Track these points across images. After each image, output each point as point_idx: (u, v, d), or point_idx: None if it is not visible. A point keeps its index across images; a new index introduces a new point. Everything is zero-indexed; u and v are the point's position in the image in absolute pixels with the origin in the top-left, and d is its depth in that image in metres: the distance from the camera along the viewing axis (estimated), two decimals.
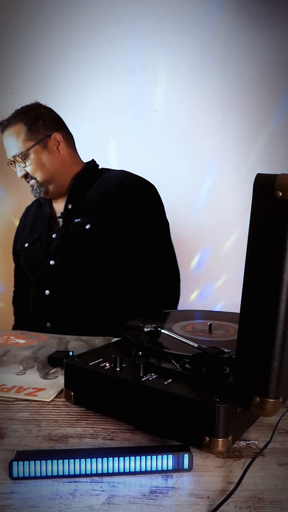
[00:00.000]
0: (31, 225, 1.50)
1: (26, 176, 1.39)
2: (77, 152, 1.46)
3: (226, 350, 0.61)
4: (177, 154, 1.77)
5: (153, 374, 0.60)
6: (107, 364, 0.63)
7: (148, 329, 0.72)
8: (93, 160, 1.48)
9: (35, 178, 1.38)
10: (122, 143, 1.73)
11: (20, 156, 1.35)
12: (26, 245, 1.45)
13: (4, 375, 0.79)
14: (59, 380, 0.76)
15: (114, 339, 0.93)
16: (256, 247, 0.47)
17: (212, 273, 1.78)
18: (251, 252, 0.48)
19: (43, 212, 1.47)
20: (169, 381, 0.58)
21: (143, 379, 0.59)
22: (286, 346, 0.47)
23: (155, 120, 1.75)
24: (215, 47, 1.71)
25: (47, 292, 1.34)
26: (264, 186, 0.46)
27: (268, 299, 0.46)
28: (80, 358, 0.66)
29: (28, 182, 1.40)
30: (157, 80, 1.72)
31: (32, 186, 1.40)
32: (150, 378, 0.59)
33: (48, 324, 1.32)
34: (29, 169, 1.37)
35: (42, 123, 1.38)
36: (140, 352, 0.66)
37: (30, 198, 1.56)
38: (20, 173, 1.39)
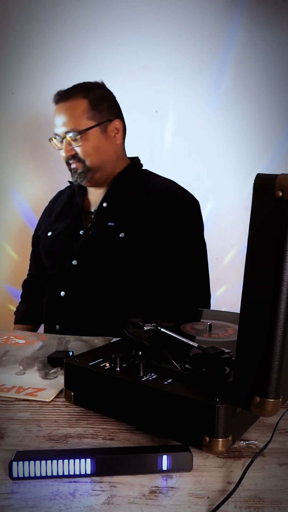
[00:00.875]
0: (58, 213, 1.39)
1: (72, 157, 1.27)
2: (124, 145, 1.38)
3: (226, 350, 0.61)
4: (177, 154, 1.77)
5: (153, 374, 0.60)
6: (107, 364, 0.63)
7: (148, 327, 0.72)
8: (137, 158, 1.40)
9: (83, 162, 1.27)
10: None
11: (77, 133, 1.23)
12: (49, 234, 1.35)
13: (4, 375, 0.79)
14: (59, 380, 0.76)
15: (114, 339, 0.92)
16: (256, 247, 0.47)
17: (213, 275, 1.78)
18: (251, 252, 0.48)
19: (74, 203, 1.37)
20: (169, 381, 0.58)
21: (143, 379, 0.59)
22: (286, 346, 0.47)
23: (155, 120, 1.76)
24: (215, 47, 1.71)
25: (62, 293, 1.26)
26: (264, 186, 0.46)
27: (268, 299, 0.46)
28: (80, 358, 0.66)
29: (70, 164, 1.28)
30: (157, 80, 1.72)
31: (76, 169, 1.28)
32: (150, 378, 0.59)
33: (57, 326, 1.26)
34: (80, 150, 1.25)
35: (107, 105, 1.29)
36: (140, 352, 0.66)
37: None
38: (66, 153, 1.26)
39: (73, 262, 1.26)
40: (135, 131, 1.70)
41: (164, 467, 0.51)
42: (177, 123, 1.76)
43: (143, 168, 1.41)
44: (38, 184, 1.78)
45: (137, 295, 1.23)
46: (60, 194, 1.47)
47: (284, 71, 1.73)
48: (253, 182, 0.47)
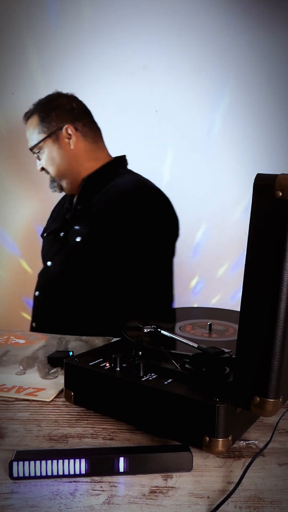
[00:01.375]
0: (55, 215, 1.44)
1: (43, 170, 1.34)
2: (100, 145, 1.36)
3: (226, 350, 0.60)
4: (177, 155, 1.77)
5: (153, 374, 0.60)
6: (107, 364, 0.63)
7: (148, 329, 0.72)
8: (121, 156, 1.38)
9: (49, 173, 1.33)
10: (121, 144, 1.73)
11: (33, 149, 1.31)
12: (45, 234, 1.41)
13: (4, 375, 0.79)
14: (59, 380, 0.76)
15: (114, 339, 0.93)
16: (256, 247, 0.47)
17: (213, 275, 1.78)
18: (251, 252, 0.48)
19: (65, 205, 1.41)
20: (169, 381, 0.58)
21: (143, 379, 0.59)
22: (286, 346, 0.47)
23: (155, 120, 1.75)
24: (215, 47, 1.71)
25: (37, 293, 1.32)
26: (264, 186, 0.46)
27: (268, 299, 0.46)
28: (80, 358, 0.66)
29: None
30: (157, 80, 1.72)
31: (49, 180, 1.36)
32: (150, 378, 0.59)
33: (33, 324, 1.32)
34: (43, 163, 1.32)
35: (55, 114, 1.30)
36: (140, 352, 0.66)
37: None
38: (38, 167, 1.35)
39: (47, 263, 1.31)
40: (135, 131, 1.70)
41: (164, 467, 0.51)
42: (177, 123, 1.76)
43: (127, 167, 1.39)
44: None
45: (103, 294, 1.24)
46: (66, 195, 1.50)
47: (285, 70, 1.73)
48: (253, 182, 0.47)
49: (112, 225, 1.21)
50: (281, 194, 0.45)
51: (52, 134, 1.29)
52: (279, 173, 0.46)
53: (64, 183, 1.34)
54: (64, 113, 1.31)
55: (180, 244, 1.67)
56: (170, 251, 1.32)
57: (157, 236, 1.26)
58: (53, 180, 1.34)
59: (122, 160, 1.38)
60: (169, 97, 1.74)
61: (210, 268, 1.81)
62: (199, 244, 1.81)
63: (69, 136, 1.30)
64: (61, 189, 1.35)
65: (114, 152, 1.62)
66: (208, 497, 0.48)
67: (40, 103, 1.33)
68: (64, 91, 1.72)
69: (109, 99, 1.72)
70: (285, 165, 1.72)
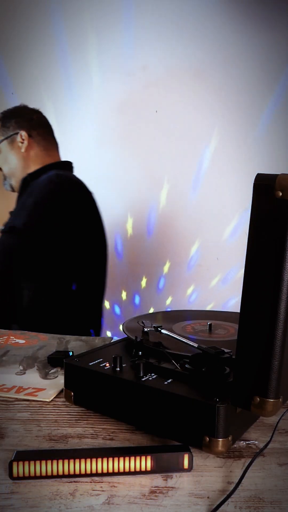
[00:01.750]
0: None
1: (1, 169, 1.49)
2: (50, 154, 1.47)
3: (226, 350, 0.60)
4: (177, 154, 1.77)
5: (153, 374, 0.60)
6: (107, 364, 0.63)
7: (148, 329, 0.72)
8: (62, 161, 1.49)
9: (2, 171, 1.48)
10: (122, 143, 1.73)
11: None
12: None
13: (4, 375, 0.79)
14: (59, 380, 0.76)
15: (114, 339, 0.92)
16: (256, 247, 0.47)
17: (212, 272, 1.78)
18: (251, 252, 0.48)
19: None
20: (169, 381, 0.58)
21: (143, 379, 0.59)
22: (286, 346, 0.47)
23: (155, 120, 1.76)
24: (214, 47, 1.72)
25: None
26: (264, 186, 0.46)
27: (268, 299, 0.46)
28: (80, 358, 0.66)
29: None
30: (157, 80, 1.72)
31: (3, 178, 1.50)
32: (150, 378, 0.59)
33: None
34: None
35: (15, 121, 1.45)
36: (140, 352, 0.66)
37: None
38: None
39: None
40: (135, 131, 1.70)
41: (165, 467, 0.51)
42: (177, 123, 1.76)
43: (72, 173, 1.48)
44: None
45: (39, 289, 1.32)
46: None
47: (283, 70, 1.73)
48: (253, 182, 0.47)
49: (27, 216, 1.31)
50: (281, 194, 0.45)
51: (9, 137, 1.43)
52: (279, 173, 0.46)
53: (12, 182, 1.48)
54: (23, 121, 1.45)
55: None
56: (88, 244, 1.40)
57: (68, 223, 1.33)
58: (4, 178, 1.48)
59: (61, 164, 1.48)
60: (169, 97, 1.74)
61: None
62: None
63: (22, 141, 1.44)
64: (11, 187, 1.49)
65: (114, 152, 1.63)
66: (208, 497, 0.48)
67: (7, 111, 1.48)
68: (65, 90, 1.73)
69: (109, 99, 1.72)
70: (285, 165, 1.72)
